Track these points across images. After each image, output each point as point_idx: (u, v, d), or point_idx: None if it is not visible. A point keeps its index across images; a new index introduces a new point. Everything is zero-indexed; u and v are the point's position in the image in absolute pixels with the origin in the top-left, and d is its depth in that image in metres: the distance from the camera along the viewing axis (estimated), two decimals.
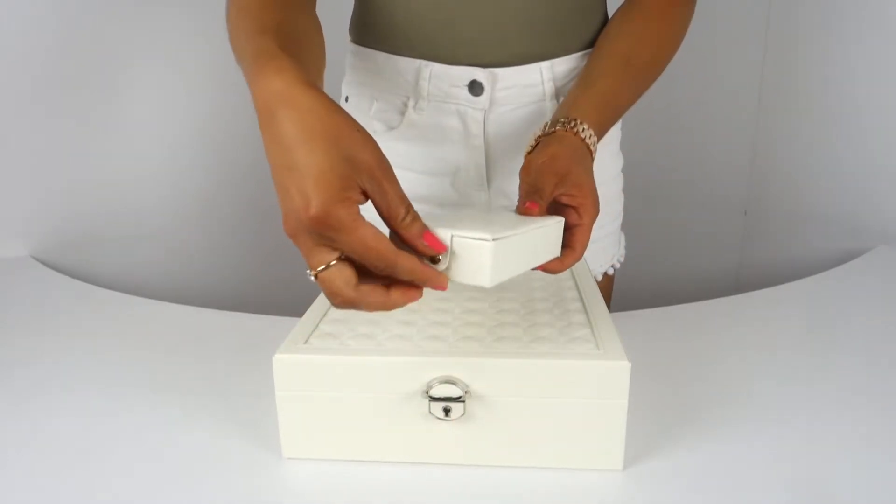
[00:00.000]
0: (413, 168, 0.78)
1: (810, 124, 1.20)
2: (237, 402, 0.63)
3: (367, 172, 0.42)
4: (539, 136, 0.63)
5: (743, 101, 1.28)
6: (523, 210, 0.55)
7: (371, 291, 0.43)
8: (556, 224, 0.55)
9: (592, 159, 0.62)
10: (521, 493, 0.50)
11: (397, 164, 0.80)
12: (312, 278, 0.43)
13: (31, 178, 1.13)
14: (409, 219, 0.44)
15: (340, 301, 0.43)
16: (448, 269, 0.45)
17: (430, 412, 0.51)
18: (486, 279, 0.45)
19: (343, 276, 0.43)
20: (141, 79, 1.20)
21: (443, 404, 0.51)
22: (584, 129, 0.62)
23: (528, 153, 0.63)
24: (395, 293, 0.44)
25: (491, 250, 0.44)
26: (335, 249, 0.43)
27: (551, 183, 0.56)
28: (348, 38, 0.81)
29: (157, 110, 1.24)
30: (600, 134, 0.65)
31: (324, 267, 0.43)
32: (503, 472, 0.52)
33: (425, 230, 0.44)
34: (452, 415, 0.51)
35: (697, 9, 0.73)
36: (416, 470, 0.53)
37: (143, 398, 0.65)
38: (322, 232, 0.41)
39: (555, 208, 0.58)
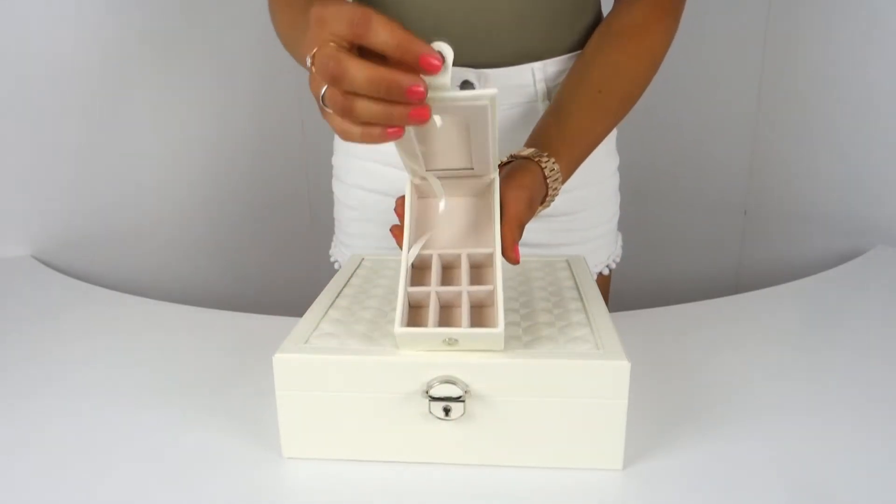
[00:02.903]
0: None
1: (810, 124, 1.20)
2: (237, 402, 0.63)
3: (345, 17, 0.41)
4: (512, 156, 0.63)
5: (743, 101, 1.28)
6: (513, 257, 0.54)
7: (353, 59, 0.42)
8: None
9: (546, 198, 0.61)
10: (521, 493, 0.50)
11: (390, 163, 0.81)
12: (309, 63, 0.43)
13: (32, 178, 1.13)
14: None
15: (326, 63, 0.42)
16: (458, 344, 0.50)
17: (430, 412, 0.51)
18: (500, 344, 0.50)
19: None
20: (142, 79, 1.20)
21: (443, 404, 0.51)
22: (550, 164, 0.61)
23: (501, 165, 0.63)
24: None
25: (502, 336, 0.49)
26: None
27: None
28: None
29: (158, 111, 1.24)
30: (570, 172, 0.64)
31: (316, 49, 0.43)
32: (503, 472, 0.52)
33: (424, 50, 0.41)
34: (452, 415, 0.51)
35: (698, 9, 0.73)
36: (416, 470, 0.53)
37: (143, 398, 0.65)
38: (317, 26, 0.42)
39: None
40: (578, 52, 0.75)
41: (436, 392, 0.50)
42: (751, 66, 1.25)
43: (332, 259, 0.94)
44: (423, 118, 0.42)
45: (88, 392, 0.67)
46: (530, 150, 0.62)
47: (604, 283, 0.89)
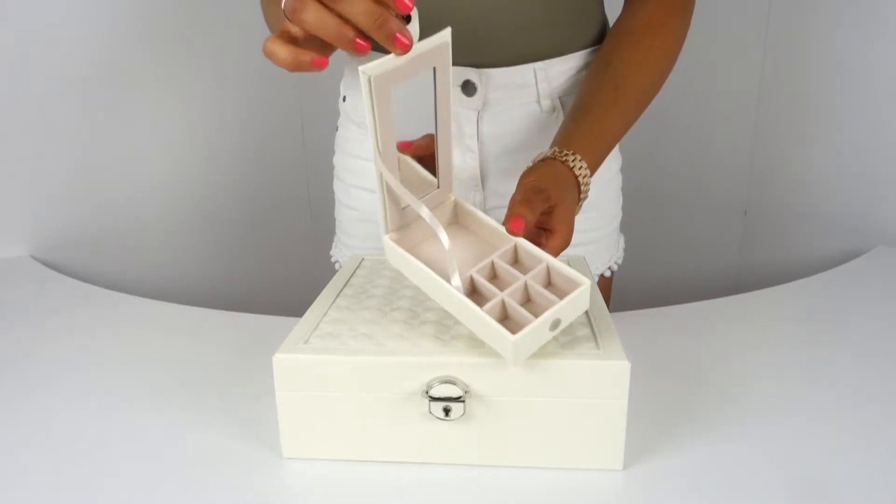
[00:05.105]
0: None
1: (810, 124, 1.20)
2: (237, 402, 0.63)
3: None
4: (536, 161, 0.63)
5: (743, 101, 1.28)
6: (510, 228, 0.53)
7: None
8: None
9: (580, 195, 0.61)
10: (521, 493, 0.50)
11: None
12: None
13: (32, 178, 1.13)
14: None
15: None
16: (560, 323, 0.49)
17: (430, 412, 0.51)
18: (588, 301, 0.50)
19: None
20: (141, 79, 1.20)
21: (443, 404, 0.51)
22: (577, 162, 0.61)
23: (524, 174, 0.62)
24: None
25: (588, 290, 0.49)
26: None
27: (541, 205, 0.56)
28: None
29: (158, 111, 1.24)
30: (595, 168, 0.64)
31: None
32: (503, 472, 0.52)
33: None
34: (452, 415, 0.51)
35: (698, 9, 0.73)
36: (417, 470, 0.53)
37: (143, 398, 0.65)
38: None
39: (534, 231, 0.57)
40: (580, 52, 0.75)
41: (436, 392, 0.50)
42: (751, 67, 1.25)
43: (332, 259, 0.94)
44: (362, 50, 0.44)
45: (88, 392, 0.67)
46: (552, 150, 0.62)
47: (605, 285, 0.89)
